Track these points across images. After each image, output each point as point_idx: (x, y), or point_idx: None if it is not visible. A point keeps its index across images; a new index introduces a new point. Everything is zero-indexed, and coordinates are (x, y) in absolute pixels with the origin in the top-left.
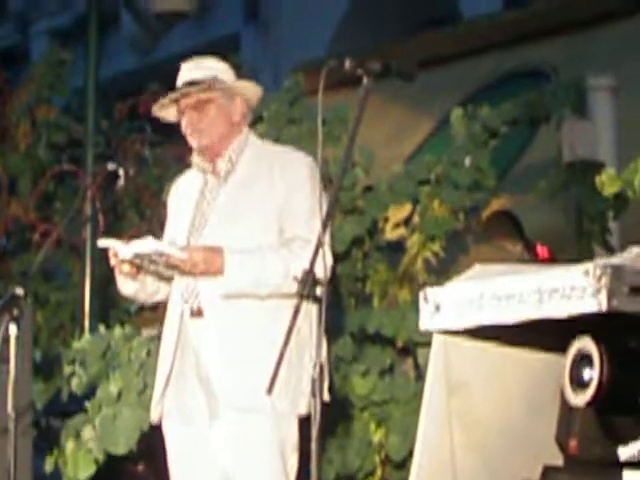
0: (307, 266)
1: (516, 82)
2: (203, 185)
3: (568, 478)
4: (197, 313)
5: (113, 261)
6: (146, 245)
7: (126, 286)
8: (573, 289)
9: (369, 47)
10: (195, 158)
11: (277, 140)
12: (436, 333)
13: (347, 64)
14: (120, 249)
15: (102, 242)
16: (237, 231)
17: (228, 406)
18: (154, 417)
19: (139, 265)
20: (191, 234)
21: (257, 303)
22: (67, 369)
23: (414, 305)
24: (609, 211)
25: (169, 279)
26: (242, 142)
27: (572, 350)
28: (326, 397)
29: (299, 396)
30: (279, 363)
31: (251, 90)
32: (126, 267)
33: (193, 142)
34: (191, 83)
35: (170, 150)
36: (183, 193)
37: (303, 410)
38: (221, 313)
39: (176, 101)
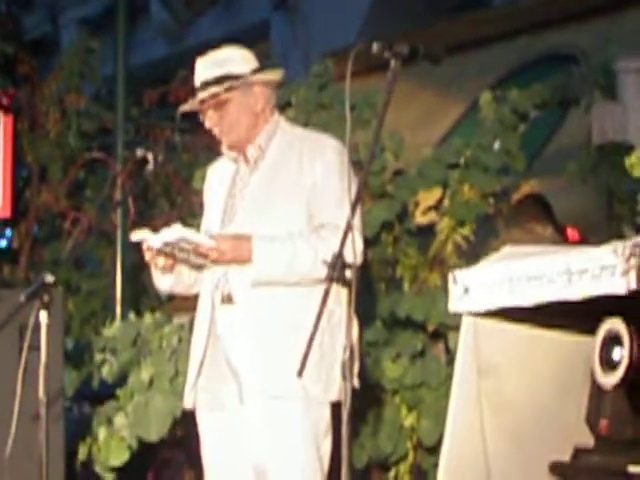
0: (336, 251)
1: (545, 66)
2: (235, 172)
3: (599, 459)
4: (227, 300)
5: (147, 256)
6: (174, 233)
7: (163, 281)
8: (603, 269)
9: (398, 32)
10: (225, 148)
11: (306, 125)
12: (465, 315)
13: (375, 47)
14: (150, 239)
15: (135, 236)
16: (267, 217)
17: (260, 393)
18: (187, 404)
19: (170, 254)
20: (223, 222)
21: (288, 289)
22: (98, 356)
23: (444, 289)
24: (639, 193)
25: (203, 270)
26: (272, 128)
27: (602, 331)
28: (355, 383)
29: (332, 381)
30: (309, 346)
31: (268, 77)
32: (161, 261)
33: (221, 140)
34: (206, 83)
35: (200, 137)
36: (216, 181)
37: (335, 396)
38: (251, 299)
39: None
